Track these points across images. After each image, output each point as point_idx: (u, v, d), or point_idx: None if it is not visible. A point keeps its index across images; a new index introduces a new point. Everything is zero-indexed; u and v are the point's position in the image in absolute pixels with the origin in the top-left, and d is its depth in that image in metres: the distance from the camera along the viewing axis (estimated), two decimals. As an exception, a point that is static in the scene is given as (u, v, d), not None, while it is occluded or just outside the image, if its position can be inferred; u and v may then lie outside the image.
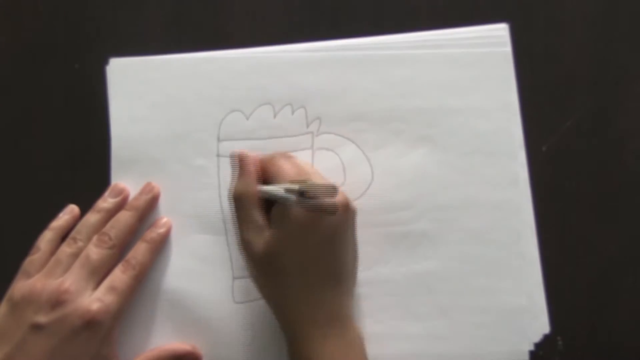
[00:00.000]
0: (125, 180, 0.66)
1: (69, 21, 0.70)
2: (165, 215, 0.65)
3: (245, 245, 0.60)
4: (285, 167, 0.59)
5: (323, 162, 0.65)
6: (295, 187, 0.55)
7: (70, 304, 0.59)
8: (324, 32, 0.67)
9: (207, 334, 0.64)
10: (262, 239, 0.58)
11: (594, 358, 0.65)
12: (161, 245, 0.65)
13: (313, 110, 0.66)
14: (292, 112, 0.66)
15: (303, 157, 0.64)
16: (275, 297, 0.60)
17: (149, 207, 0.65)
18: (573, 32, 0.68)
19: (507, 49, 0.66)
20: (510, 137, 0.65)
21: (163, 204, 0.66)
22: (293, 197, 0.56)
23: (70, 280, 0.60)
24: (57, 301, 0.59)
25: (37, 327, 0.58)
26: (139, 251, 0.63)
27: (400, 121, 0.66)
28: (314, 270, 0.58)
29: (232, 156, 0.64)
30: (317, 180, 0.60)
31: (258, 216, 0.59)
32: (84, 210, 0.64)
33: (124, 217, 0.64)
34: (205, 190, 0.66)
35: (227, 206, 0.65)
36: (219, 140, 0.66)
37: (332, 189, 0.55)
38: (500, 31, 0.67)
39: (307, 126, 0.66)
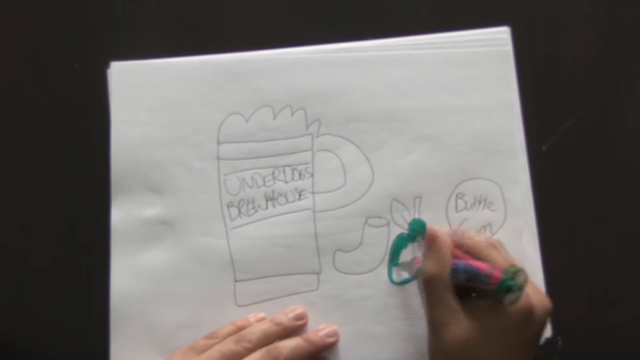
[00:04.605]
0: (126, 183, 0.65)
1: (69, 21, 0.70)
2: (167, 219, 0.65)
3: (439, 327, 0.57)
4: (498, 259, 0.57)
5: (323, 163, 0.65)
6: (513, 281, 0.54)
7: None
8: (324, 34, 0.67)
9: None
10: (459, 325, 0.56)
11: (594, 358, 0.65)
12: (316, 353, 0.63)
13: (312, 111, 0.66)
14: (292, 114, 0.66)
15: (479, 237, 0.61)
16: None
17: (322, 349, 0.64)
18: (573, 32, 0.68)
19: (506, 48, 0.66)
20: (510, 136, 0.65)
21: (163, 208, 0.66)
22: (515, 290, 0.54)
23: None
24: None
25: None
26: (291, 345, 0.62)
27: (400, 121, 0.65)
28: None
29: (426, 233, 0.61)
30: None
31: (452, 300, 0.57)
32: (82, 211, 0.64)
33: (300, 346, 0.62)
34: (206, 193, 0.65)
35: (227, 209, 0.65)
36: (218, 143, 0.66)
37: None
38: (501, 34, 0.66)
39: (307, 128, 0.66)
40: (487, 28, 0.66)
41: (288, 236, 0.65)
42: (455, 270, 0.57)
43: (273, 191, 0.65)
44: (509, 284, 0.53)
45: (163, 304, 0.65)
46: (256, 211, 0.65)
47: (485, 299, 0.56)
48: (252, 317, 0.64)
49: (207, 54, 0.67)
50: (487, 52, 0.66)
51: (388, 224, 0.65)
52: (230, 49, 0.67)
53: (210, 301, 0.65)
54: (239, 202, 0.65)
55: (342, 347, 0.64)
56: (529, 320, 0.55)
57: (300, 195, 0.65)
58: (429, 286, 0.58)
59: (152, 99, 0.66)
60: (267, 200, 0.65)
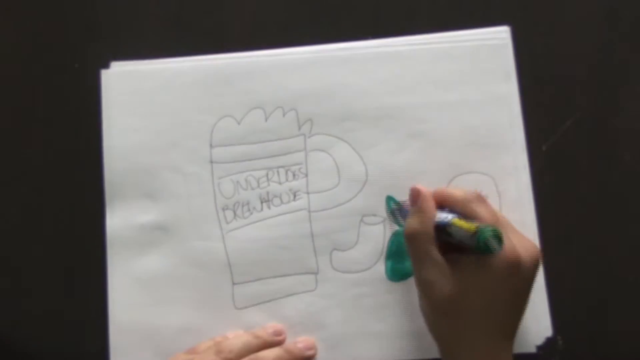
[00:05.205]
0: (120, 190, 0.66)
1: (69, 21, 0.70)
2: (162, 225, 0.66)
3: (427, 285, 0.57)
4: (483, 214, 0.56)
5: (316, 163, 0.65)
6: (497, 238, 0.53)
7: None
8: (324, 34, 0.67)
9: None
10: (447, 280, 0.55)
11: (594, 358, 0.65)
12: None
13: (304, 111, 0.66)
14: (283, 115, 0.66)
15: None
16: (448, 339, 0.58)
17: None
18: (573, 33, 0.68)
19: (495, 41, 0.66)
20: (502, 128, 0.65)
21: (159, 213, 0.66)
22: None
23: None
24: None
25: None
26: (271, 356, 0.62)
27: (392, 118, 0.66)
28: (496, 321, 0.56)
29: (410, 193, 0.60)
30: (510, 231, 0.57)
31: (437, 255, 0.56)
32: (82, 211, 0.65)
33: (280, 357, 0.63)
34: (201, 197, 0.66)
35: (222, 213, 0.65)
36: (211, 146, 0.66)
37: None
38: (502, 34, 0.66)
39: (299, 128, 0.66)
40: (487, 28, 0.66)
41: (284, 237, 0.65)
42: (440, 225, 0.56)
43: (267, 193, 0.65)
44: (486, 240, 0.53)
45: (162, 310, 0.65)
46: (251, 213, 0.65)
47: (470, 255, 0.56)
48: (230, 335, 0.64)
49: (207, 54, 0.67)
50: (474, 46, 0.66)
51: (383, 221, 0.65)
52: (230, 49, 0.67)
53: (208, 305, 0.65)
54: (234, 205, 0.65)
55: (343, 346, 0.64)
56: (517, 270, 0.55)
57: (294, 196, 0.65)
58: (413, 243, 0.57)
59: (143, 106, 0.67)
60: (262, 202, 0.65)
